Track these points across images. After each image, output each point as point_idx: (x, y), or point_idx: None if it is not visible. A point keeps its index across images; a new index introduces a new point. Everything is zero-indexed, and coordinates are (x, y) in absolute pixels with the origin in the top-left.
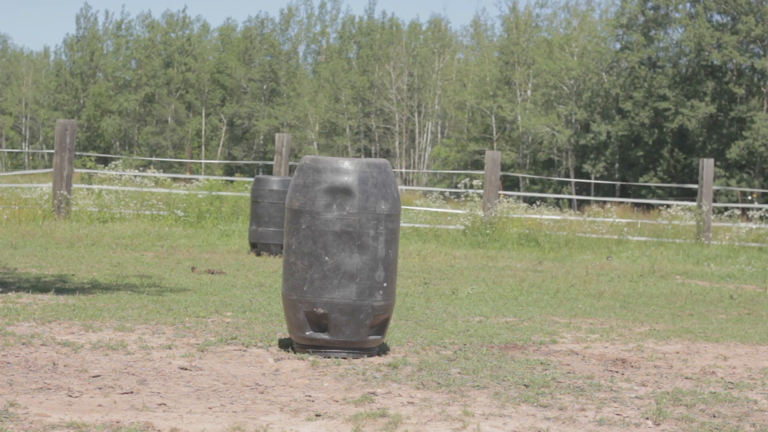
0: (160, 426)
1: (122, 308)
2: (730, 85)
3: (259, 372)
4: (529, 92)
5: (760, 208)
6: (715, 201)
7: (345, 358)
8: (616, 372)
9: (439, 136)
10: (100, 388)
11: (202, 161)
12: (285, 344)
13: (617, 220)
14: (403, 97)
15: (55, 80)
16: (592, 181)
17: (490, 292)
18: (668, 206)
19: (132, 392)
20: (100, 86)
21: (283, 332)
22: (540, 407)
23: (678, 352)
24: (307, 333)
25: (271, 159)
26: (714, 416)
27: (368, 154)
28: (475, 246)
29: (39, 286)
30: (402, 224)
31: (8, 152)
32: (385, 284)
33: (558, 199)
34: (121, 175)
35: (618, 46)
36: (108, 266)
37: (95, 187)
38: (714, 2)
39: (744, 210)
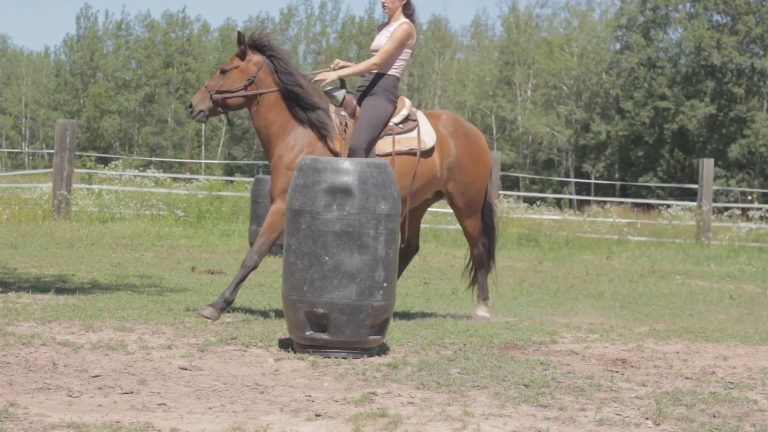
0: (160, 426)
1: (122, 308)
2: (730, 85)
3: (259, 372)
4: (529, 92)
5: (760, 208)
6: (715, 201)
7: (345, 358)
8: (616, 372)
9: None
10: (100, 388)
11: (202, 161)
12: (285, 344)
13: (617, 220)
14: None
15: (55, 80)
16: (592, 181)
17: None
18: (668, 206)
19: (132, 392)
20: (100, 86)
21: (283, 332)
22: (540, 407)
23: (678, 352)
24: (307, 333)
25: None
26: (714, 416)
27: None
28: None
29: (39, 286)
30: None
31: (8, 152)
32: (385, 284)
33: (558, 199)
34: (121, 175)
35: (618, 46)
36: (108, 266)
37: (95, 187)
38: (713, 2)
39: (744, 210)
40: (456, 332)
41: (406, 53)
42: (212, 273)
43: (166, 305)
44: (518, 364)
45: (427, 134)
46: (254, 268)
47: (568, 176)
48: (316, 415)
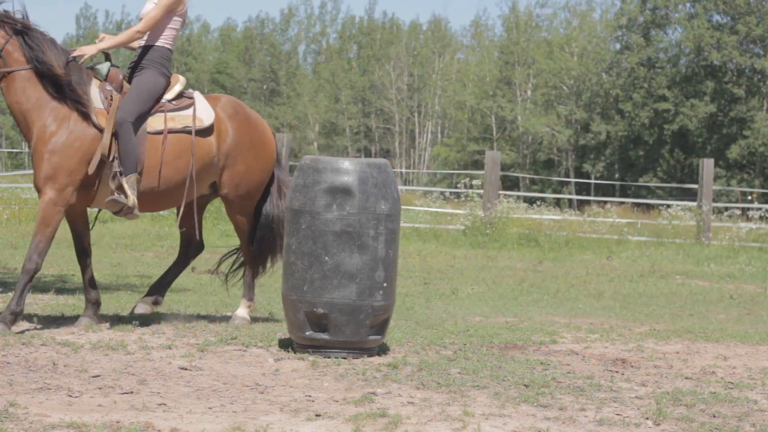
0: (160, 426)
1: (122, 308)
2: (730, 85)
3: (259, 372)
4: (529, 92)
5: (760, 208)
6: (715, 201)
7: (345, 358)
8: (616, 372)
9: (439, 136)
10: (100, 388)
11: None
12: (285, 344)
13: (617, 220)
14: (403, 97)
15: None
16: (592, 181)
17: (490, 292)
18: (668, 206)
19: (132, 392)
20: None
21: (283, 332)
22: (540, 407)
23: (678, 352)
24: (307, 333)
25: None
26: (714, 416)
27: (368, 154)
28: (475, 246)
29: (39, 286)
30: (402, 224)
31: (8, 152)
32: (385, 284)
33: (558, 199)
34: None
35: (618, 46)
36: (108, 266)
37: None
38: (713, 2)
39: (744, 210)
40: (456, 332)
41: (176, 22)
42: (212, 273)
43: (166, 305)
44: (518, 364)
45: (203, 112)
46: (37, 271)
47: (568, 176)
48: (316, 415)
